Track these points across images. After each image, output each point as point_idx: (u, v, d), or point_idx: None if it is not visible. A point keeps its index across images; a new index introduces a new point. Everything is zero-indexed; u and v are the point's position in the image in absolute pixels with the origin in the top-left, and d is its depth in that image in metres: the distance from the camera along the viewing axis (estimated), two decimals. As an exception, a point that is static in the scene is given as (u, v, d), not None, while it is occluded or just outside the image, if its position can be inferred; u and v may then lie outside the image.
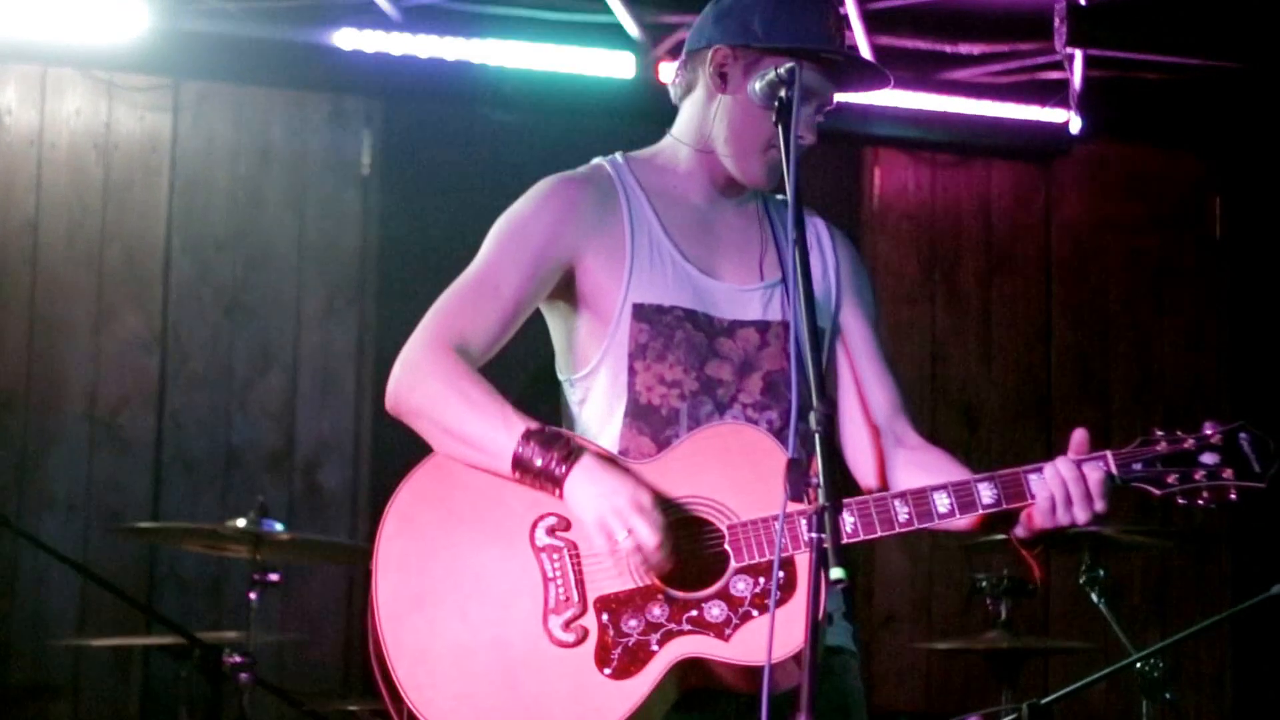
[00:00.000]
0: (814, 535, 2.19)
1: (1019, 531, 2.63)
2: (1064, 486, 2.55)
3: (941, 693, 6.16)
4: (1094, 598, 4.55)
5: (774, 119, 2.58)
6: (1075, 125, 6.37)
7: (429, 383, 2.62)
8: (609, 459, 2.59)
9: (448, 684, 2.51)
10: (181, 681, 4.37)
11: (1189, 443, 2.58)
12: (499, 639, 2.54)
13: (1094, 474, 2.55)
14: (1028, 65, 6.34)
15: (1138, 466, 2.57)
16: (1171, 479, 2.57)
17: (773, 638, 2.32)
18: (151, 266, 5.94)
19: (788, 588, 2.48)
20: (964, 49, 6.30)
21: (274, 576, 4.46)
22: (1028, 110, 6.40)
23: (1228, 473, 2.57)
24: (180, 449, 5.89)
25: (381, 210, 6.14)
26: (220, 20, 5.81)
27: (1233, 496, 2.58)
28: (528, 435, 2.55)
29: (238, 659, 4.25)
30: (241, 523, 4.44)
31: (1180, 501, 2.58)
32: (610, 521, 2.50)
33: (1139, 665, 4.32)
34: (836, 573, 2.15)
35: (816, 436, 2.25)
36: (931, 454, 2.77)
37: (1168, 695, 4.33)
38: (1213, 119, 6.60)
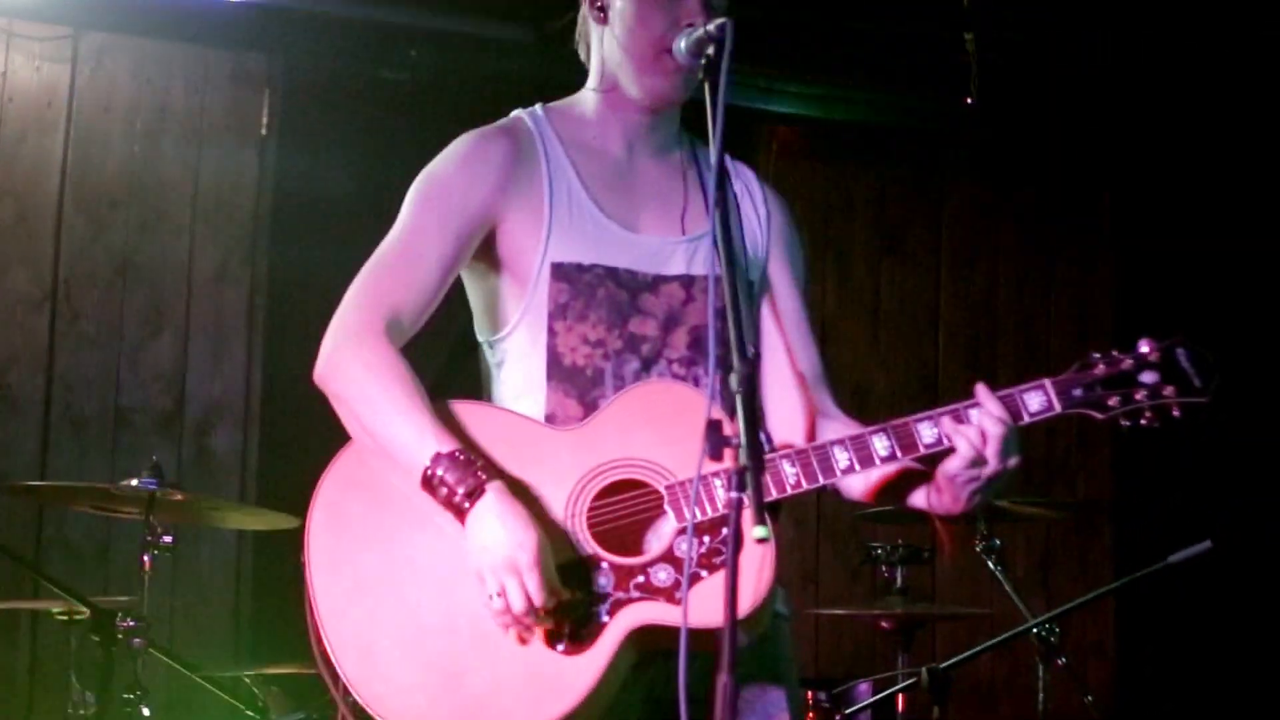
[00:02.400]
0: (734, 495, 2.15)
1: (935, 501, 2.59)
2: (996, 422, 2.49)
3: (830, 660, 6.22)
4: (991, 565, 4.63)
5: (662, 23, 2.59)
6: (971, 112, 6.44)
7: (356, 370, 2.54)
8: (518, 489, 2.48)
9: (396, 675, 2.44)
10: (72, 647, 4.27)
11: (1126, 363, 2.55)
12: (444, 624, 2.46)
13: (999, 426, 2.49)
14: (927, 49, 6.39)
15: (1078, 392, 2.54)
16: (1113, 401, 2.53)
17: (688, 608, 2.28)
18: (43, 223, 5.80)
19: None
20: (864, 30, 6.34)
21: (167, 539, 4.37)
22: (924, 95, 6.45)
23: (1169, 390, 2.53)
24: (69, 409, 5.76)
25: (278, 171, 6.04)
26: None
27: (1176, 414, 2.53)
28: (438, 458, 2.45)
29: (131, 623, 4.14)
30: (135, 483, 4.34)
31: (1124, 423, 2.54)
32: (486, 577, 2.42)
33: (1035, 631, 4.42)
34: (759, 531, 2.11)
35: (737, 397, 2.19)
36: (854, 427, 2.68)
37: (1062, 660, 4.44)
38: (1107, 110, 6.71)
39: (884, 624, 4.78)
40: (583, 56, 2.82)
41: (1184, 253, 6.66)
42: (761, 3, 5.90)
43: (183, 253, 5.93)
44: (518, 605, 2.40)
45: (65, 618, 4.31)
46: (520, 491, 2.48)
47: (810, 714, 4.51)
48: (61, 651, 4.32)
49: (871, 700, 4.57)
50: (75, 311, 5.80)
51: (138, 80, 5.95)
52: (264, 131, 6.06)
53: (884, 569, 4.85)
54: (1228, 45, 6.15)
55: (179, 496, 4.40)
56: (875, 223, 6.75)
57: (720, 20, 2.49)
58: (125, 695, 4.12)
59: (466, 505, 2.43)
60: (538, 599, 2.40)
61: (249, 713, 4.24)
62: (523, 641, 2.44)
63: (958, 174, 6.83)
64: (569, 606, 2.45)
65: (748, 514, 2.14)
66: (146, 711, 4.10)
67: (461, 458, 2.45)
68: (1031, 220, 6.88)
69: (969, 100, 6.33)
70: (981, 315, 6.80)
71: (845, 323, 6.63)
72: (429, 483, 2.45)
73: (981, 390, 2.54)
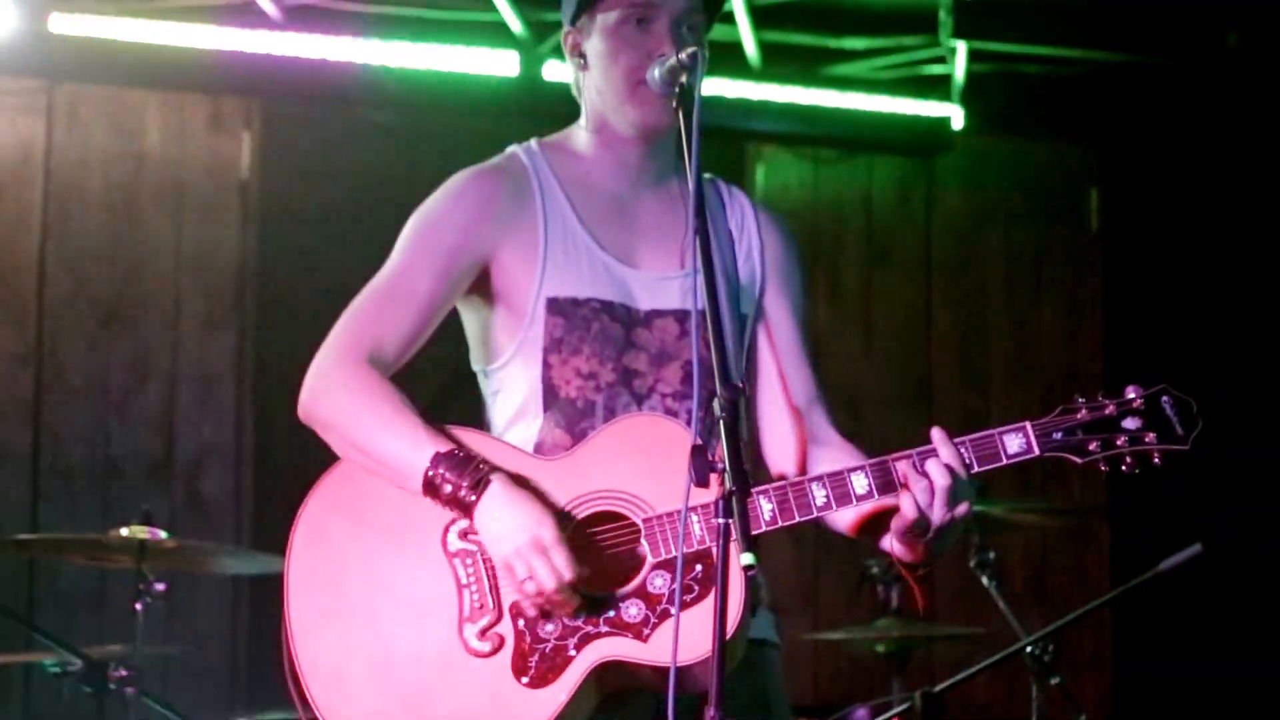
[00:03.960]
0: (720, 521, 2.16)
1: (898, 549, 2.56)
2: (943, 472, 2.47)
3: (830, 684, 6.21)
4: (984, 581, 4.60)
5: (634, 52, 2.63)
6: (957, 119, 6.46)
7: (340, 396, 2.57)
8: (520, 480, 2.51)
9: (361, 701, 2.45)
10: (64, 698, 4.27)
11: (1110, 408, 2.54)
12: (414, 652, 2.47)
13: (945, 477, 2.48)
14: (911, 60, 6.41)
15: (1058, 435, 2.54)
16: (1093, 446, 2.53)
17: (678, 640, 2.26)
18: (25, 279, 5.85)
19: (705, 583, 2.43)
20: (848, 44, 6.37)
21: (160, 586, 4.38)
22: (910, 105, 6.46)
23: (1150, 436, 2.53)
24: (58, 461, 5.81)
25: (261, 215, 6.08)
26: (96, 20, 5.69)
27: (1156, 460, 2.54)
28: (437, 459, 2.49)
29: (123, 673, 4.15)
30: (125, 532, 4.34)
31: (1103, 468, 2.53)
32: (514, 564, 2.44)
33: (1028, 650, 4.38)
34: (746, 559, 2.12)
35: (721, 423, 2.21)
36: (846, 451, 2.70)
37: (1056, 679, 4.41)
38: (1091, 113, 6.71)
39: (879, 647, 4.77)
40: (577, 97, 2.84)
41: (1175, 257, 6.66)
42: (746, 14, 5.95)
43: (168, 301, 5.96)
44: (550, 583, 2.42)
45: (58, 669, 4.28)
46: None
47: (804, 741, 4.47)
48: (55, 703, 4.31)
49: (865, 729, 4.55)
50: (60, 365, 5.86)
51: (114, 130, 6.00)
52: (245, 175, 6.09)
53: (880, 588, 4.81)
54: (1217, 45, 6.18)
55: (170, 544, 4.41)
56: (864, 234, 6.76)
57: (690, 49, 2.53)
58: (114, 744, 4.15)
59: (472, 498, 2.46)
60: (568, 573, 2.42)
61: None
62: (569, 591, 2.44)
63: (945, 182, 6.84)
64: (605, 550, 2.49)
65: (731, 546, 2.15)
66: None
67: (460, 455, 2.49)
68: (1020, 226, 6.88)
69: (955, 108, 6.37)
70: (972, 323, 6.80)
71: (837, 334, 6.64)
72: (431, 485, 2.48)
73: (937, 436, 2.52)
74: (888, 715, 4.46)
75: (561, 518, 2.50)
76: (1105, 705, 6.52)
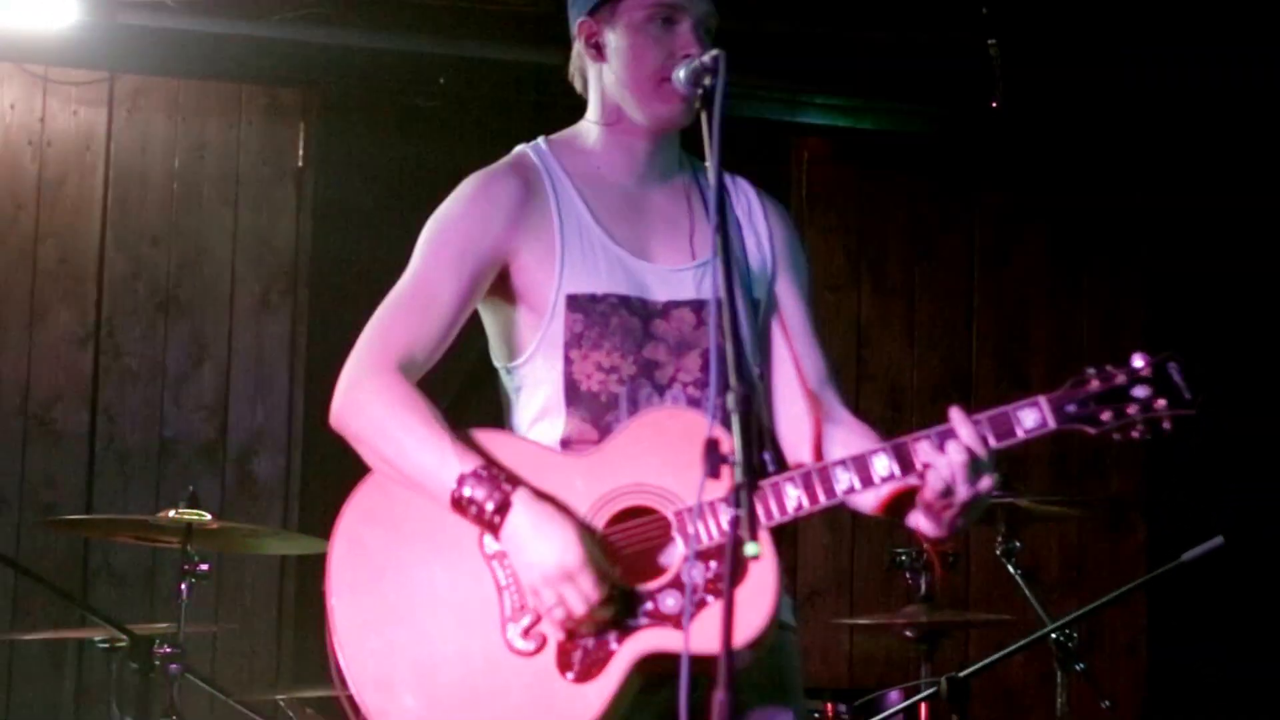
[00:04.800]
0: (730, 513, 2.17)
1: (924, 526, 2.62)
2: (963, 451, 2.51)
3: (864, 668, 6.27)
4: (1011, 569, 4.65)
5: (658, 50, 2.68)
6: (1000, 115, 6.47)
7: (371, 409, 2.60)
8: (545, 495, 2.54)
9: (412, 705, 2.49)
10: (113, 674, 4.38)
11: (1120, 378, 2.57)
12: (459, 654, 2.51)
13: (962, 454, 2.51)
14: (952, 57, 6.43)
15: (1072, 408, 2.56)
16: (1106, 416, 2.55)
17: (689, 635, 2.31)
18: (85, 263, 5.98)
19: (740, 568, 2.42)
20: (891, 39, 6.40)
21: (204, 566, 4.49)
22: (954, 102, 6.49)
23: (1160, 403, 2.55)
24: (114, 442, 5.93)
25: (315, 203, 6.18)
26: (155, 13, 5.81)
27: (1166, 426, 2.56)
28: (463, 479, 2.52)
29: (167, 650, 4.25)
30: (171, 513, 4.46)
31: (1115, 437, 2.56)
32: (542, 592, 2.48)
33: (1053, 636, 4.42)
34: (751, 548, 2.13)
35: (734, 416, 2.22)
36: (859, 430, 2.77)
37: (1080, 665, 4.45)
38: (1136, 109, 6.71)
39: (908, 633, 4.83)
40: (579, 89, 2.87)
41: (1214, 250, 6.66)
42: (784, 16, 5.99)
43: (223, 286, 6.08)
44: (579, 609, 2.46)
45: (107, 645, 4.41)
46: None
47: (829, 726, 4.53)
48: (104, 678, 4.44)
49: (890, 712, 4.59)
50: (118, 347, 5.98)
51: (173, 119, 6.11)
52: (300, 163, 6.21)
53: (908, 575, 4.86)
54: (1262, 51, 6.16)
55: (215, 525, 4.53)
56: (908, 229, 6.80)
57: (714, 52, 2.58)
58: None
59: (497, 520, 2.50)
60: (594, 597, 2.46)
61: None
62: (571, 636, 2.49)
63: (989, 179, 6.87)
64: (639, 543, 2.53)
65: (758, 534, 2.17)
66: (180, 735, 4.25)
67: (485, 474, 2.52)
68: (1063, 221, 6.90)
69: (994, 106, 6.38)
70: (1014, 316, 6.83)
71: (880, 327, 6.69)
72: (459, 504, 2.52)
73: (955, 415, 2.56)
74: (914, 699, 4.55)
75: (590, 518, 2.54)
76: (1139, 693, 6.55)
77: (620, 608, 2.50)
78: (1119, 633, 6.52)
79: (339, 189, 6.19)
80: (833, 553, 6.46)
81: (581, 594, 2.46)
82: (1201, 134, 6.60)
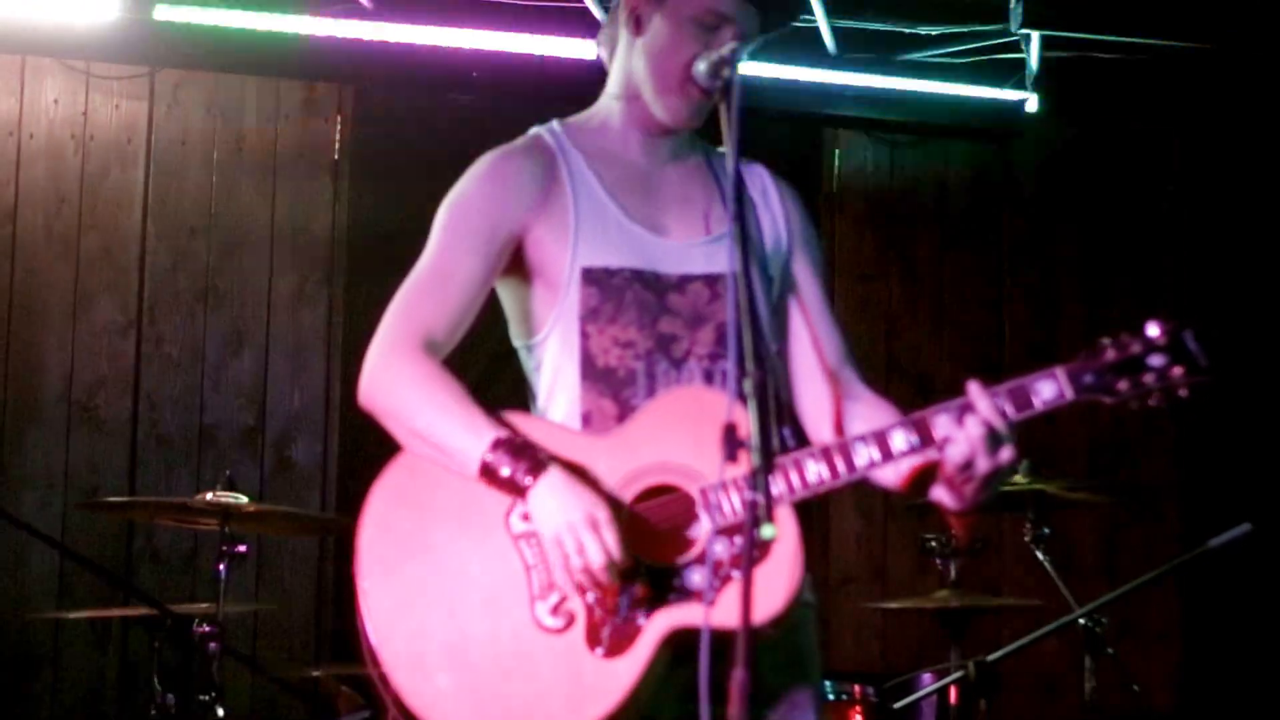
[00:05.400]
0: (748, 496, 2.20)
1: (946, 499, 2.63)
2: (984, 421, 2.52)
3: (897, 652, 6.31)
4: (1039, 555, 4.67)
5: (692, 50, 2.70)
6: (1032, 105, 6.50)
7: (400, 385, 2.65)
8: (575, 468, 2.58)
9: (444, 683, 2.52)
10: (155, 652, 4.46)
11: (1135, 347, 2.56)
12: (489, 633, 2.53)
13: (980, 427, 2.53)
14: (985, 46, 6.45)
15: (1089, 378, 2.56)
16: (1122, 386, 2.55)
17: (710, 611, 2.31)
18: (127, 253, 6.08)
19: (761, 547, 2.42)
20: (922, 30, 6.43)
21: (241, 548, 4.58)
22: (985, 91, 6.49)
23: (1176, 371, 2.55)
24: (155, 428, 6.03)
25: (351, 195, 6.26)
26: (196, 9, 5.90)
27: (1183, 394, 2.56)
28: (496, 444, 2.55)
29: (206, 629, 4.34)
30: (209, 496, 4.56)
31: (1133, 406, 2.56)
32: (564, 538, 2.51)
33: (1081, 621, 4.44)
34: (768, 530, 2.16)
35: (750, 400, 2.25)
36: (880, 405, 2.79)
37: (1110, 651, 4.47)
38: (1168, 99, 6.72)
39: (936, 618, 4.85)
40: (604, 56, 2.91)
41: (1251, 241, 6.66)
42: (821, 2, 6.03)
43: (261, 276, 6.17)
44: (598, 558, 2.49)
45: (147, 624, 4.48)
46: None
47: (856, 708, 4.55)
48: (147, 657, 4.53)
49: (917, 696, 4.60)
50: (159, 336, 6.08)
51: (212, 113, 6.21)
52: (336, 157, 6.28)
53: (938, 561, 4.87)
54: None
55: (251, 507, 4.61)
56: (938, 217, 6.82)
57: (732, 45, 2.65)
58: (202, 697, 4.33)
59: (529, 481, 2.54)
60: (616, 552, 2.49)
61: (320, 710, 4.45)
62: (594, 614, 2.52)
63: (1019, 167, 6.88)
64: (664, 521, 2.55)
65: (778, 512, 2.24)
66: (221, 712, 4.32)
67: (519, 442, 2.57)
68: (1094, 210, 6.91)
69: (1029, 94, 6.41)
70: (1045, 305, 6.84)
71: (909, 316, 6.72)
72: (487, 470, 2.55)
73: (973, 388, 2.57)
74: (943, 682, 4.58)
75: (617, 496, 2.57)
76: (1173, 680, 6.56)
77: (648, 584, 2.53)
78: (1152, 620, 6.52)
79: (374, 182, 6.26)
80: (865, 539, 6.50)
81: (602, 545, 2.49)
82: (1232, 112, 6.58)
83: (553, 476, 2.54)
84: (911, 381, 6.57)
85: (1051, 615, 4.61)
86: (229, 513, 4.51)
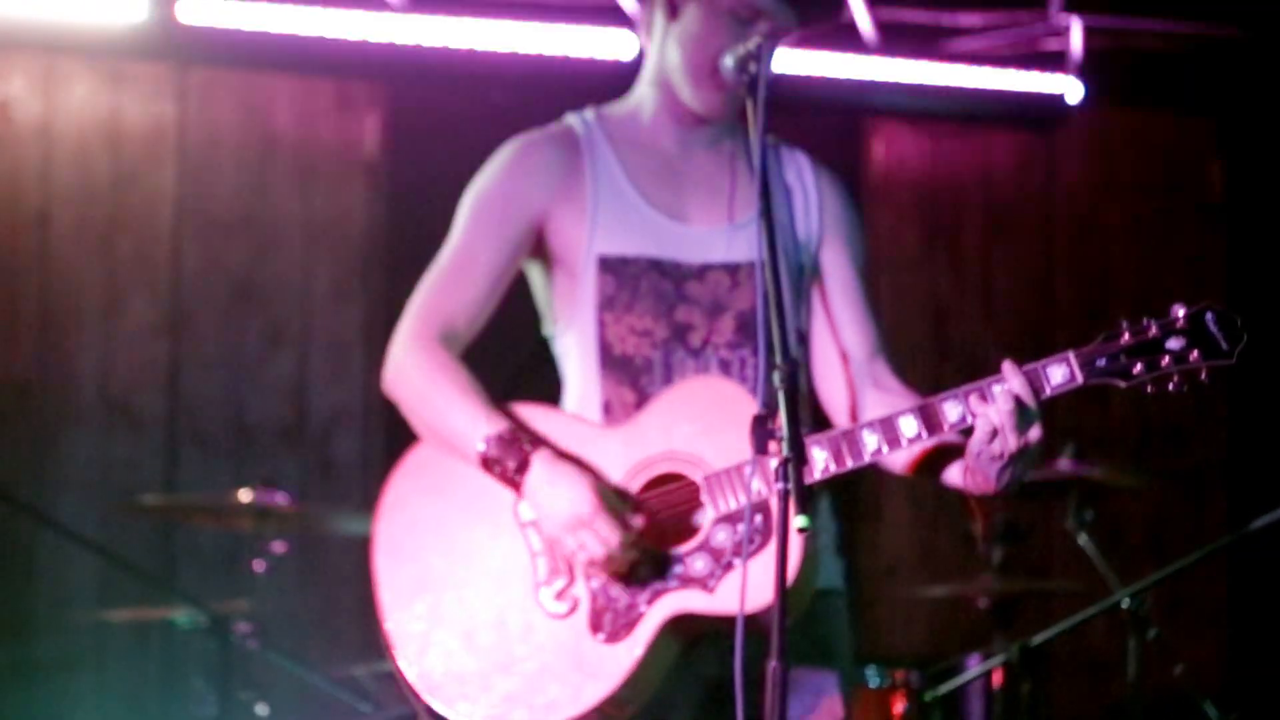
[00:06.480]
0: (780, 486, 2.26)
1: (968, 482, 2.62)
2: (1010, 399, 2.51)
3: (945, 638, 6.28)
4: (1081, 540, 4.64)
5: (724, 42, 2.69)
6: (1075, 93, 6.44)
7: (412, 376, 2.72)
8: (569, 455, 2.62)
9: (452, 666, 2.58)
10: (196, 651, 4.50)
11: (1153, 330, 2.54)
12: (496, 618, 2.61)
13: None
14: (1027, 34, 6.41)
15: (1102, 362, 2.54)
16: (1138, 369, 2.53)
17: (744, 595, 2.37)
18: (160, 253, 6.08)
19: (765, 534, 2.50)
20: (964, 20, 6.40)
21: (278, 547, 4.60)
22: (1027, 79, 6.45)
23: (1195, 354, 2.52)
24: (194, 428, 6.04)
25: (387, 193, 6.25)
26: (226, 8, 5.90)
27: (1204, 378, 2.52)
28: (489, 440, 2.61)
29: (246, 627, 4.40)
30: (246, 496, 4.58)
31: (1150, 390, 2.53)
32: (563, 539, 2.57)
33: (1124, 604, 4.40)
34: (799, 521, 2.21)
35: (780, 393, 2.30)
36: (907, 397, 2.74)
37: (1154, 633, 4.42)
38: (1212, 85, 6.65)
39: (980, 603, 4.84)
40: (642, 41, 2.91)
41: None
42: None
43: (297, 274, 6.17)
44: (599, 552, 2.54)
45: (188, 623, 4.52)
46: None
47: (900, 693, 4.52)
48: (188, 655, 4.54)
49: (960, 680, 4.58)
50: (196, 335, 6.08)
51: (244, 112, 6.20)
52: (370, 155, 6.27)
53: (980, 547, 4.88)
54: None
55: (289, 507, 4.62)
56: (983, 206, 6.78)
57: (759, 39, 2.64)
58: (242, 694, 4.36)
59: (519, 479, 2.59)
60: (614, 540, 2.54)
61: (359, 707, 4.45)
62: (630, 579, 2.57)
63: (1063, 155, 6.83)
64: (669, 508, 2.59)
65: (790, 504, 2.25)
66: (260, 709, 4.33)
67: (508, 436, 2.61)
68: (1140, 198, 6.85)
69: (1072, 81, 6.36)
70: (1093, 294, 6.78)
71: (957, 304, 6.68)
72: (486, 464, 2.61)
73: (1007, 366, 2.55)
74: (986, 665, 4.56)
75: (621, 483, 2.62)
76: (1221, 660, 6.51)
77: (652, 571, 2.57)
78: (1201, 603, 6.48)
79: (409, 180, 6.25)
80: (914, 527, 6.49)
81: (599, 538, 2.54)
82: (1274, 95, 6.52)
83: (536, 473, 2.59)
84: (961, 370, 6.51)
85: (1099, 599, 4.56)
86: (268, 512, 4.51)
